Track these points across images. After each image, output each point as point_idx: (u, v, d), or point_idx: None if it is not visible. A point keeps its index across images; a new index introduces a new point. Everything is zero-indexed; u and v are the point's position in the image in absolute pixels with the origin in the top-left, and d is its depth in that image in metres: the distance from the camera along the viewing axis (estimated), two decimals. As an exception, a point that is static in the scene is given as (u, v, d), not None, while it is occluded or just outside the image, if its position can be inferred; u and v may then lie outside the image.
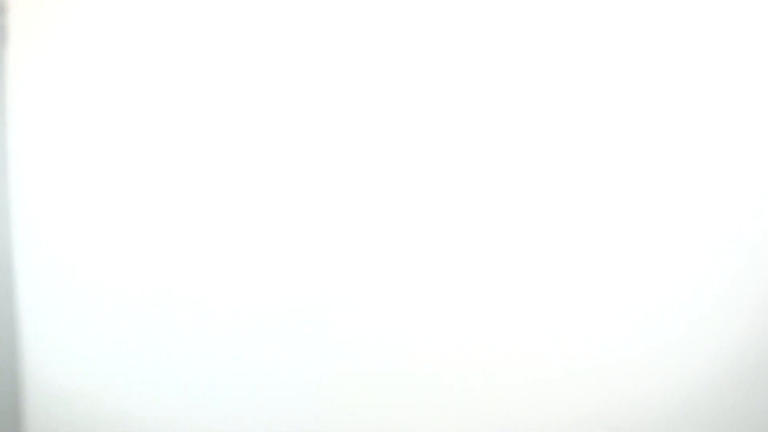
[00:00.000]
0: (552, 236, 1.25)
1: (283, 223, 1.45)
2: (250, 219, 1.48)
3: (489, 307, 1.33)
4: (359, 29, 1.36)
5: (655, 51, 1.17)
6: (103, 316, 1.65)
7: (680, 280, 1.18)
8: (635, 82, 1.18)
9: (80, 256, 1.65)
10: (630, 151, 1.20)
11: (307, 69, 1.40)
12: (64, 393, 1.71)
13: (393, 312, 1.38)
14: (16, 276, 1.75)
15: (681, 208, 1.18)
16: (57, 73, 1.63)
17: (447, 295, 1.34)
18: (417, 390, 1.38)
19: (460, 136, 1.30)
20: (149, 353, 1.61)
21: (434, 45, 1.31)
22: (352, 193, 1.39)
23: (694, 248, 1.17)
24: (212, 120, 1.49)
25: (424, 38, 1.32)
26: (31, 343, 1.75)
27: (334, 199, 1.41)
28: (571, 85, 1.22)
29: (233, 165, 1.48)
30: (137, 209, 1.57)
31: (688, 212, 1.18)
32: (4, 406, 1.79)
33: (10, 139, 1.72)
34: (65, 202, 1.65)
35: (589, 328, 1.24)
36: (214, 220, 1.51)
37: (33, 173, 1.70)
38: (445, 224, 1.33)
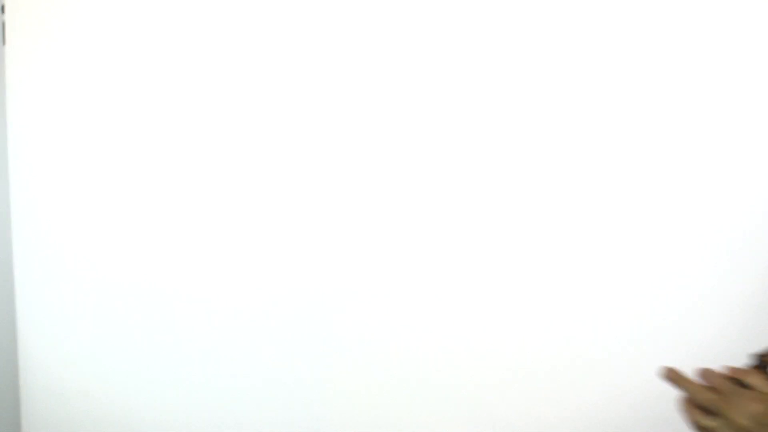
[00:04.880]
0: (548, 237, 1.25)
1: (284, 223, 1.45)
2: (250, 218, 1.47)
3: (489, 308, 1.32)
4: (359, 29, 1.35)
5: (651, 53, 1.17)
6: (102, 314, 1.65)
7: (679, 279, 1.17)
8: (633, 84, 1.18)
9: (79, 255, 1.65)
10: (626, 153, 1.19)
11: (309, 71, 1.39)
12: (63, 391, 1.71)
13: (394, 312, 1.37)
14: (15, 274, 1.75)
15: (679, 207, 1.18)
16: (54, 71, 1.63)
17: (447, 296, 1.34)
18: (418, 389, 1.38)
19: (457, 140, 1.30)
20: (148, 352, 1.61)
21: (434, 46, 1.31)
22: (353, 194, 1.39)
23: (693, 247, 1.17)
24: (212, 118, 1.49)
25: (424, 39, 1.31)
26: (29, 341, 1.75)
27: (336, 200, 1.41)
28: (569, 86, 1.21)
29: (234, 164, 1.48)
30: (137, 208, 1.57)
31: (686, 211, 1.18)
32: (3, 405, 1.79)
33: (8, 137, 1.72)
34: (64, 200, 1.65)
35: (588, 328, 1.24)
36: (215, 219, 1.51)
37: (31, 172, 1.70)
38: (443, 226, 1.32)
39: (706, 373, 0.74)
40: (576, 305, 1.24)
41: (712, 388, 0.72)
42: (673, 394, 0.84)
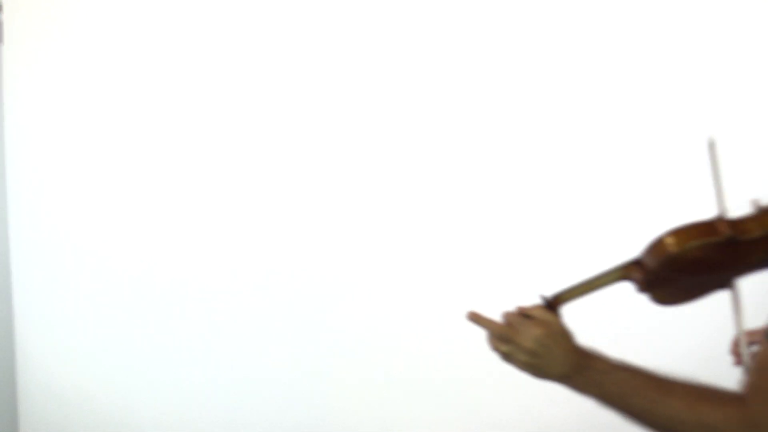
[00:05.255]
0: (547, 237, 1.25)
1: (285, 224, 1.45)
2: (250, 219, 1.48)
3: (489, 308, 1.33)
4: (359, 30, 1.36)
5: (649, 57, 1.17)
6: (101, 313, 1.65)
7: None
8: (636, 88, 1.18)
9: (77, 254, 1.65)
10: (627, 159, 1.20)
11: (309, 73, 1.40)
12: (60, 390, 1.71)
13: (395, 313, 1.38)
14: (12, 274, 1.75)
15: (678, 208, 1.18)
16: (52, 69, 1.62)
17: (447, 296, 1.34)
18: (418, 389, 1.38)
19: (454, 142, 1.30)
20: (148, 352, 1.61)
21: (434, 47, 1.31)
22: (354, 195, 1.39)
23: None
24: (210, 119, 1.49)
25: (424, 40, 1.32)
26: (27, 340, 1.74)
27: (336, 201, 1.41)
28: (570, 90, 1.22)
29: (235, 167, 1.48)
30: (136, 208, 1.57)
31: (686, 212, 1.18)
32: (0, 403, 1.78)
33: (5, 135, 1.72)
34: (62, 199, 1.65)
35: (588, 328, 1.24)
36: (214, 220, 1.51)
37: (28, 170, 1.70)
38: (443, 227, 1.33)
39: (503, 313, 0.91)
40: (575, 305, 1.24)
41: (506, 323, 0.89)
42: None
